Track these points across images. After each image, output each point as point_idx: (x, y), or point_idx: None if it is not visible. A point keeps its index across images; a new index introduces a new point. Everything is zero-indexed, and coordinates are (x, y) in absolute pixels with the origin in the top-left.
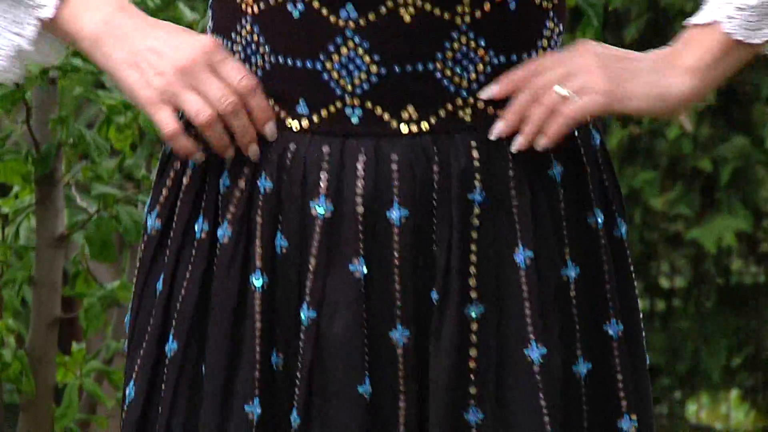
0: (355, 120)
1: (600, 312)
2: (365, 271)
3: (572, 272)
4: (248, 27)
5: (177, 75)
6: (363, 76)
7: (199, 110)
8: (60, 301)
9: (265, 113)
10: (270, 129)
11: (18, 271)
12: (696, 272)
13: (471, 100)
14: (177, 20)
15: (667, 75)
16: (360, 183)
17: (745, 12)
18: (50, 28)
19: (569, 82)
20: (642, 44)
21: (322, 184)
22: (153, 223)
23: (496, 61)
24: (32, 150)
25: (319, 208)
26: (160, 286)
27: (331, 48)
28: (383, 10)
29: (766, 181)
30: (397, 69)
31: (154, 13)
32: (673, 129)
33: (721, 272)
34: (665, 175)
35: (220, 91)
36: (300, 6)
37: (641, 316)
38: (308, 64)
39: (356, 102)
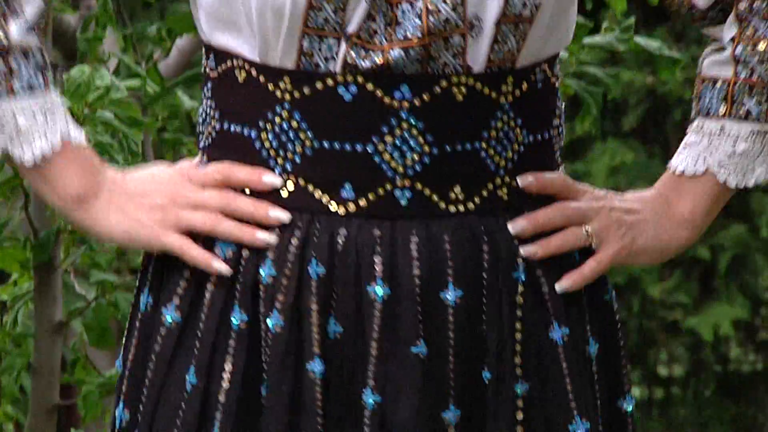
0: (404, 202)
1: (614, 387)
2: (426, 352)
3: (593, 348)
4: (285, 114)
5: (170, 202)
6: (416, 156)
7: (206, 219)
8: (58, 388)
9: (252, 174)
10: (270, 179)
11: (16, 358)
12: (694, 360)
13: (507, 178)
14: (176, 107)
15: (665, 229)
16: (415, 264)
17: (735, 158)
18: (23, 172)
19: (592, 223)
20: (640, 132)
21: (377, 268)
22: (172, 316)
23: (527, 140)
24: (30, 237)
25: (378, 291)
26: (192, 378)
27: (385, 129)
28: (437, 89)
29: (764, 269)
30: (448, 149)
31: (153, 100)
32: None
33: (720, 360)
34: (663, 263)
35: (211, 195)
36: (353, 88)
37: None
38: (358, 147)
39: (407, 183)
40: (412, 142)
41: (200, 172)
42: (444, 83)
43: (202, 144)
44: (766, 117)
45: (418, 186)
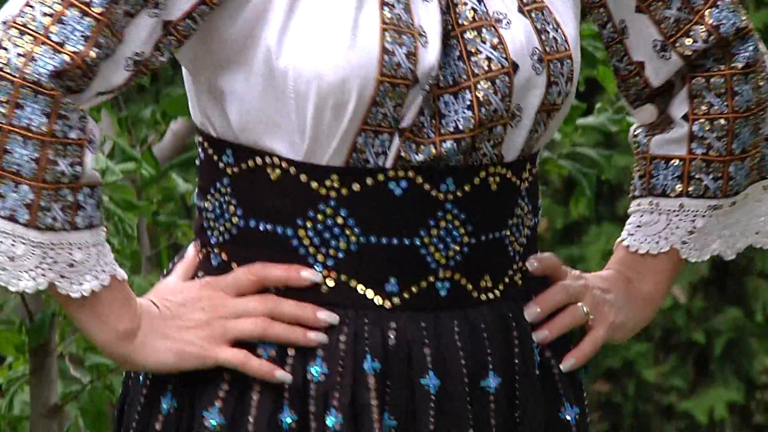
0: (443, 293)
1: None
2: None
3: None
4: (329, 210)
5: (212, 316)
6: (457, 247)
7: (254, 325)
8: None
9: (289, 272)
10: (309, 275)
11: None
12: None
13: (520, 264)
14: (171, 190)
15: (631, 307)
16: (461, 354)
17: (695, 234)
18: (65, 305)
19: (586, 297)
20: None
21: (428, 360)
22: (216, 420)
23: (531, 224)
24: (26, 320)
25: (431, 383)
26: None
27: (432, 222)
28: (477, 180)
29: (759, 353)
30: (483, 238)
31: (148, 183)
32: (666, 300)
33: None
34: (658, 347)
35: (254, 301)
36: (403, 183)
37: None
38: (406, 241)
39: (447, 275)
40: (455, 233)
41: (230, 278)
42: (482, 173)
43: (214, 240)
44: (722, 192)
45: (456, 276)
